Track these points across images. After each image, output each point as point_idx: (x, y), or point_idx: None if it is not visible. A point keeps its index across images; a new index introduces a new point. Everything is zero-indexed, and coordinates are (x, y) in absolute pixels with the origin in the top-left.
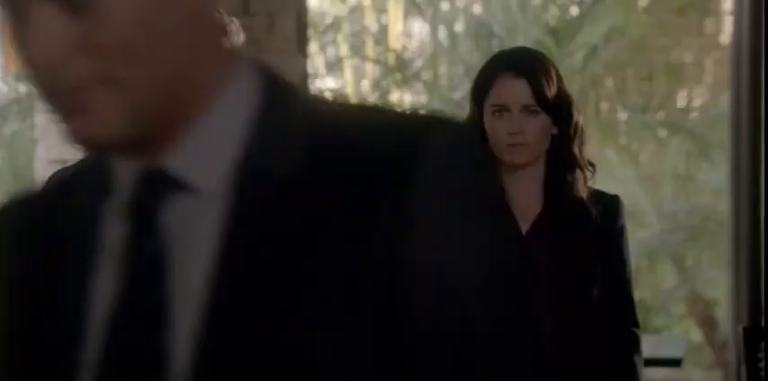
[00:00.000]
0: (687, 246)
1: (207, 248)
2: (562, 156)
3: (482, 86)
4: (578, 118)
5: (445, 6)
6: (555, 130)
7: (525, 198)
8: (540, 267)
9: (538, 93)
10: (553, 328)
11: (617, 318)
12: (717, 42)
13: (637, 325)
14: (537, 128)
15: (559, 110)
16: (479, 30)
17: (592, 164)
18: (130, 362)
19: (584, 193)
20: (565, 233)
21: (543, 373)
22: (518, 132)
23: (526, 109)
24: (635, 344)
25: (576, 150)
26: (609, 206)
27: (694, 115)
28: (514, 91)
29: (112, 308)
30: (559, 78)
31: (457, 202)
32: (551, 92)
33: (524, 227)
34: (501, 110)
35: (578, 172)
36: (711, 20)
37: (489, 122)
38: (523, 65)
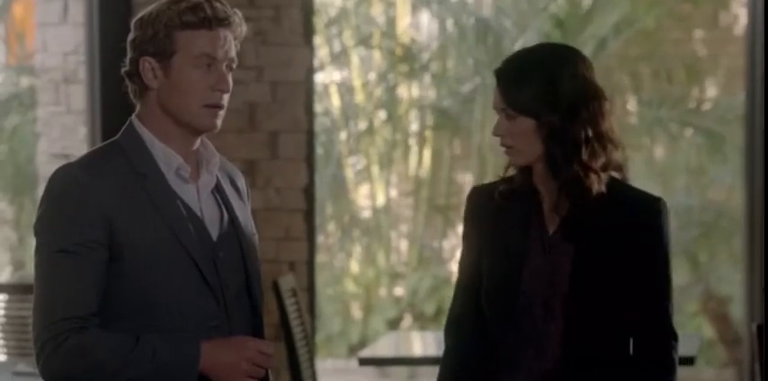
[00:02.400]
0: (700, 242)
1: None
2: (553, 157)
3: None
4: (563, 116)
5: None
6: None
7: (552, 198)
8: (563, 269)
9: (507, 97)
10: (569, 332)
11: (650, 328)
12: (731, 35)
13: (674, 337)
14: (515, 131)
15: (533, 109)
16: (487, 22)
17: (594, 170)
18: None
19: (599, 190)
20: (591, 236)
21: None
22: (500, 135)
23: (505, 112)
24: (669, 358)
25: (565, 152)
26: (647, 208)
27: (708, 109)
28: (495, 96)
29: None
30: (551, 81)
31: None
32: (524, 92)
33: (551, 228)
34: (497, 113)
35: (591, 176)
36: (725, 12)
37: None
38: (500, 70)
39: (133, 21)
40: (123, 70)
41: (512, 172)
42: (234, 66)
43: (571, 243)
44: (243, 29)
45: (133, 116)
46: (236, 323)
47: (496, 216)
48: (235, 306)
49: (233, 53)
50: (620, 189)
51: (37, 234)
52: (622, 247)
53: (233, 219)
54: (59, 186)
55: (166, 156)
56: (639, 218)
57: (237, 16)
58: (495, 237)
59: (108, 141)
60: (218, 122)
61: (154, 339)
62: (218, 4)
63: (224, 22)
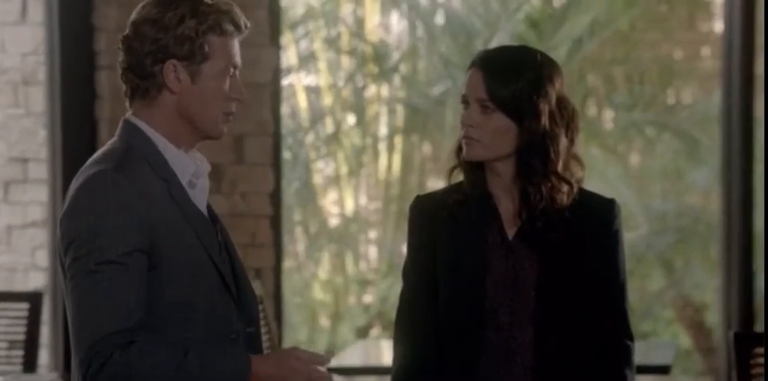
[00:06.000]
0: (676, 248)
1: None
2: (527, 164)
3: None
4: (546, 125)
5: None
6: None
7: (510, 201)
8: (526, 273)
9: (491, 89)
10: (539, 338)
11: (608, 329)
12: (708, 37)
13: (630, 338)
14: (489, 126)
15: (517, 112)
16: (458, 23)
17: (567, 182)
18: None
19: (563, 203)
20: (550, 240)
21: None
22: (469, 125)
23: (482, 104)
24: (627, 357)
25: (543, 161)
26: (603, 211)
27: (684, 112)
28: (473, 83)
29: None
30: (539, 86)
31: None
32: (511, 90)
33: (511, 232)
34: (464, 101)
35: (552, 182)
36: (702, 13)
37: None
38: (488, 59)
39: (144, 18)
40: (124, 67)
41: (455, 178)
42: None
43: (533, 248)
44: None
45: (132, 117)
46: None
47: (450, 224)
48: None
49: None
50: (576, 192)
51: (76, 243)
52: (583, 250)
53: (222, 227)
54: (100, 193)
55: (180, 162)
56: (599, 222)
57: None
58: (452, 245)
59: (114, 144)
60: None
61: (202, 352)
62: (238, 9)
63: (245, 29)
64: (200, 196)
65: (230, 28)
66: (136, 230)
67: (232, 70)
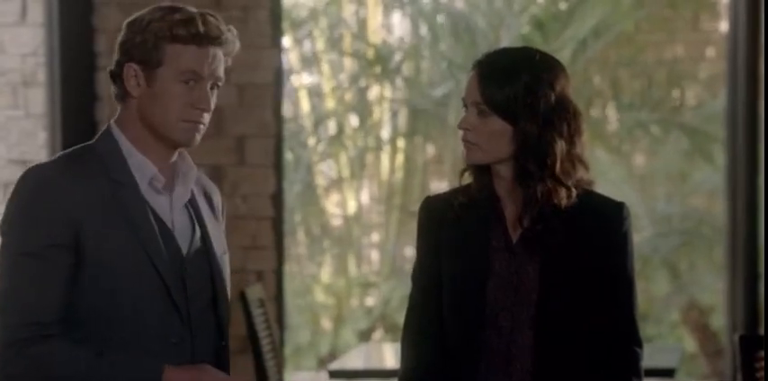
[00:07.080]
0: (681, 251)
1: None
2: (524, 167)
3: None
4: (542, 127)
5: None
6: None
7: (517, 206)
8: (529, 276)
9: (485, 92)
10: (539, 342)
11: (615, 335)
12: (713, 37)
13: (638, 344)
14: (485, 129)
15: (512, 114)
16: (462, 23)
17: (565, 185)
18: None
19: (561, 206)
20: (553, 244)
21: None
22: (466, 129)
23: (478, 107)
24: (634, 364)
25: (539, 164)
26: (611, 214)
27: (689, 113)
28: (470, 87)
29: None
30: (535, 87)
31: None
32: (506, 93)
33: (515, 235)
34: (464, 104)
35: (548, 185)
36: (707, 14)
37: None
38: (484, 62)
39: (126, 21)
40: (109, 70)
41: (466, 180)
42: (220, 84)
43: (535, 251)
44: (236, 46)
45: (112, 121)
46: (198, 342)
47: (456, 226)
48: (199, 325)
49: (220, 72)
50: (584, 195)
51: (3, 234)
52: (589, 255)
53: (204, 235)
54: (29, 186)
55: (141, 166)
56: (605, 226)
57: (231, 33)
58: (457, 248)
59: (83, 144)
60: (197, 137)
61: (116, 356)
62: (212, 20)
63: (216, 40)
64: (177, 202)
65: (185, 35)
66: (59, 225)
67: (194, 78)
